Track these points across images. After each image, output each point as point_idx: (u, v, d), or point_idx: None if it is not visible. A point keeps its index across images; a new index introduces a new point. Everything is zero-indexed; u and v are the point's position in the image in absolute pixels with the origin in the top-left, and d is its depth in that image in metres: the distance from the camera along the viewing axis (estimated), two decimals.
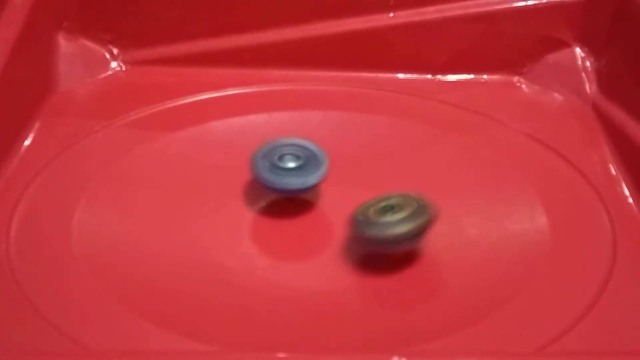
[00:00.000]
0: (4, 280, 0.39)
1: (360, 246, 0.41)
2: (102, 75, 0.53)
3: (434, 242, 0.43)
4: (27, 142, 0.47)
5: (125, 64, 0.53)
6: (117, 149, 0.48)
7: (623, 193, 0.45)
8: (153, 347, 0.37)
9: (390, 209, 0.40)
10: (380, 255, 0.42)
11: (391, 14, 0.53)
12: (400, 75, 0.54)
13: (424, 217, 0.40)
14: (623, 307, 0.39)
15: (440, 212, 0.44)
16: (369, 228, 0.40)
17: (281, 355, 0.33)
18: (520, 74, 0.54)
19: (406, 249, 0.41)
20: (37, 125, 0.48)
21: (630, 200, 0.45)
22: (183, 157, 0.47)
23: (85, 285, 0.40)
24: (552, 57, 0.53)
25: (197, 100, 0.51)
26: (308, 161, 0.43)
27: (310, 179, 0.43)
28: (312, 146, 0.44)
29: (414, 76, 0.54)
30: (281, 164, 0.43)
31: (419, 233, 0.40)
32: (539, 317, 0.39)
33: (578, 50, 0.53)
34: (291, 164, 0.43)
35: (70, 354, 0.35)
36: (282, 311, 0.39)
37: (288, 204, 0.44)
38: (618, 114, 0.49)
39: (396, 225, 0.40)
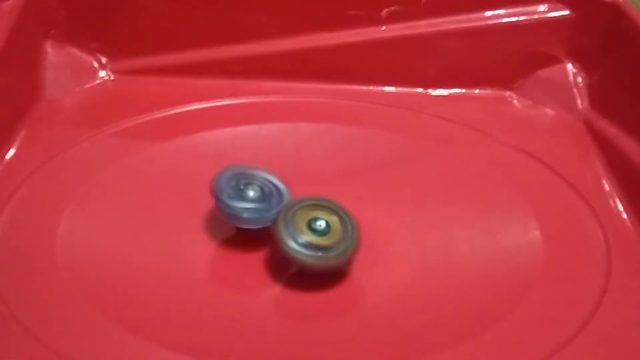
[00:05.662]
0: None
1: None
2: (90, 84, 0.52)
3: (427, 256, 0.42)
4: (11, 151, 0.47)
5: (113, 73, 0.53)
6: (104, 159, 0.47)
7: (616, 208, 0.45)
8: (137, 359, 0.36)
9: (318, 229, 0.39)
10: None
11: (383, 28, 0.53)
12: (392, 89, 0.53)
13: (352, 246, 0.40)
14: (618, 322, 0.39)
15: (431, 226, 0.44)
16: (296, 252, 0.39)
17: None
18: (511, 89, 0.54)
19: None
20: (22, 134, 0.48)
21: (624, 215, 0.45)
22: (171, 168, 0.47)
23: (69, 297, 0.39)
24: (543, 73, 0.53)
25: (186, 111, 0.51)
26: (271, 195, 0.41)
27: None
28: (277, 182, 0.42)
29: (406, 90, 0.53)
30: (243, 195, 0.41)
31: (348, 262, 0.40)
32: (533, 333, 0.38)
33: (570, 65, 0.53)
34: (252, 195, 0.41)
35: None
36: (273, 325, 0.39)
37: None
38: (610, 130, 0.49)
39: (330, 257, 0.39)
